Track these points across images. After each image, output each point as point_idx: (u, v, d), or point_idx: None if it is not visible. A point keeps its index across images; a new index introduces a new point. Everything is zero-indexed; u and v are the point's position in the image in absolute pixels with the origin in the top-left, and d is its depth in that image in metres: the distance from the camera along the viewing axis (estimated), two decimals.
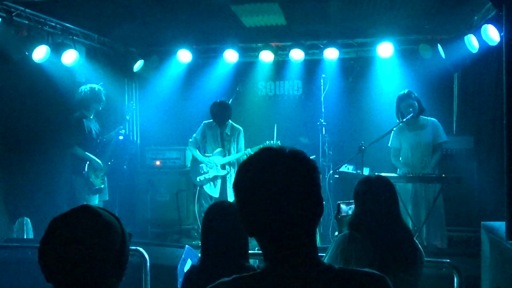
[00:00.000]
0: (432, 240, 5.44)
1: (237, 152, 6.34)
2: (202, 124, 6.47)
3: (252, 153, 5.45)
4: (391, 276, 2.37)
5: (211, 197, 6.39)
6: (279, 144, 6.20)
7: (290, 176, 1.24)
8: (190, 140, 6.49)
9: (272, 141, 6.26)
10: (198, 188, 6.48)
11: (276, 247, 1.25)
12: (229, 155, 6.34)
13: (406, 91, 5.58)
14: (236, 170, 6.15)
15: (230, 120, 6.38)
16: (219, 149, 6.35)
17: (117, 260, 1.43)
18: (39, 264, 1.38)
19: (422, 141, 5.53)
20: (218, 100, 6.36)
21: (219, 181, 6.38)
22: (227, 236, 2.38)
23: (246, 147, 6.40)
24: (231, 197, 6.22)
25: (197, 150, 6.46)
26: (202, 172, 6.39)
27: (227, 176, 6.36)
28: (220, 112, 6.25)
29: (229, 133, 6.36)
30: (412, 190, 5.49)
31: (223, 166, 6.36)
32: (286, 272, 1.23)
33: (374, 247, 2.53)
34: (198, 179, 6.41)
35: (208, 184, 6.39)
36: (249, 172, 1.28)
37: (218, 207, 2.54)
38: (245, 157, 6.20)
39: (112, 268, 1.42)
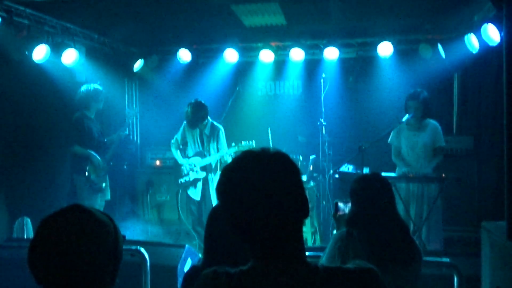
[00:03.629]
0: (429, 242, 5.42)
1: (217, 152, 6.20)
2: (182, 124, 6.35)
3: (228, 154, 5.38)
4: (389, 273, 2.38)
5: (192, 200, 6.31)
6: (253, 144, 6.13)
7: (273, 178, 1.25)
8: (172, 141, 6.40)
9: (248, 141, 6.12)
10: (180, 190, 6.40)
11: (262, 248, 1.27)
12: (209, 155, 6.21)
13: (417, 91, 5.48)
14: (217, 171, 6.10)
15: (209, 119, 6.22)
16: (198, 151, 6.26)
17: (110, 261, 1.38)
18: (28, 266, 1.33)
19: (419, 143, 5.51)
20: (193, 100, 6.16)
21: (200, 184, 6.25)
22: (229, 238, 2.38)
23: None
24: (214, 200, 6.19)
25: (178, 151, 6.35)
26: (183, 174, 6.30)
27: (208, 178, 6.24)
28: (193, 113, 6.07)
29: (208, 133, 6.22)
30: (410, 189, 5.48)
31: (203, 168, 6.24)
32: (271, 271, 1.25)
33: (371, 244, 2.54)
34: (179, 181, 6.33)
35: (190, 186, 6.28)
36: (231, 175, 1.30)
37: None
38: (219, 156, 6.11)
39: (105, 270, 1.37)
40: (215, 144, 6.23)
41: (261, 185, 1.24)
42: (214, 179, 6.27)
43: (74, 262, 1.30)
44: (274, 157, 1.29)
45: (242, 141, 6.18)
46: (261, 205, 1.23)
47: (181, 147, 6.39)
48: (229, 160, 6.16)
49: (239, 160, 1.32)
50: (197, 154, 6.28)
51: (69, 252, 1.31)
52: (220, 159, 6.27)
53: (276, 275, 1.24)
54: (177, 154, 6.35)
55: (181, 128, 6.37)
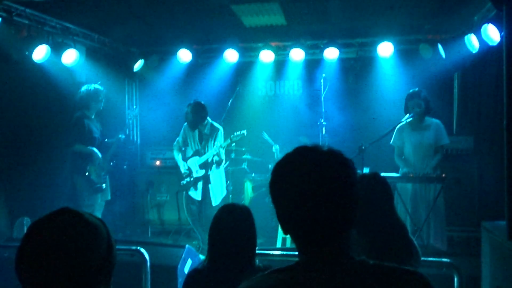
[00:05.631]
0: (433, 242, 5.42)
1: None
2: (183, 126, 6.36)
3: (223, 149, 5.31)
4: None
5: (193, 200, 6.28)
6: (245, 133, 6.06)
7: (323, 174, 1.24)
8: (174, 143, 6.42)
9: (239, 132, 6.07)
10: (184, 192, 6.38)
11: (312, 245, 1.26)
12: (206, 153, 6.20)
13: (416, 89, 5.53)
14: (213, 166, 5.97)
15: (209, 120, 6.23)
16: (195, 150, 6.25)
17: (103, 266, 1.31)
18: (16, 272, 1.28)
19: (424, 142, 5.51)
20: (192, 101, 6.18)
21: (200, 183, 6.23)
22: (235, 240, 2.39)
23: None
24: (214, 198, 6.16)
25: (180, 154, 6.35)
26: (185, 175, 6.30)
27: (207, 175, 6.20)
28: (193, 115, 6.09)
29: (208, 133, 6.21)
30: (412, 190, 5.48)
31: (201, 166, 6.22)
32: (321, 267, 1.24)
33: (369, 243, 2.54)
34: (182, 183, 6.32)
35: (192, 187, 6.26)
36: (284, 171, 1.29)
37: (227, 211, 2.54)
38: (215, 151, 6.00)
39: (98, 275, 1.30)
40: (212, 143, 6.21)
41: (310, 180, 1.23)
42: (212, 175, 6.25)
43: (64, 268, 1.24)
44: (327, 154, 1.29)
45: (234, 132, 6.14)
46: (309, 200, 1.22)
47: (182, 149, 6.39)
48: (222, 153, 6.16)
49: (291, 155, 1.31)
50: (195, 153, 6.27)
51: (59, 257, 1.24)
52: (215, 155, 6.17)
53: (325, 272, 1.23)
54: (178, 157, 6.35)
55: (182, 130, 6.37)
